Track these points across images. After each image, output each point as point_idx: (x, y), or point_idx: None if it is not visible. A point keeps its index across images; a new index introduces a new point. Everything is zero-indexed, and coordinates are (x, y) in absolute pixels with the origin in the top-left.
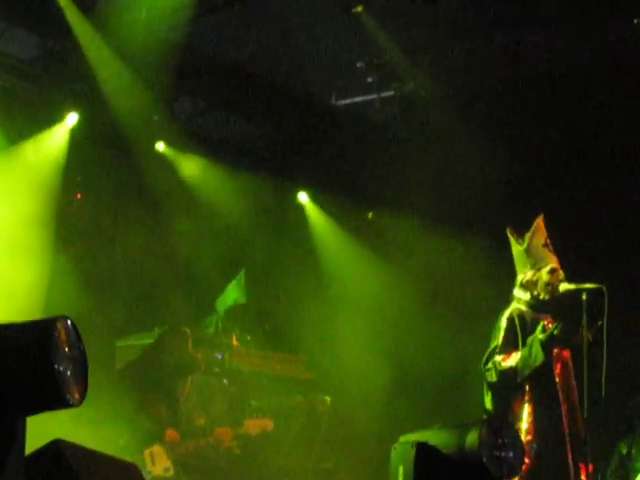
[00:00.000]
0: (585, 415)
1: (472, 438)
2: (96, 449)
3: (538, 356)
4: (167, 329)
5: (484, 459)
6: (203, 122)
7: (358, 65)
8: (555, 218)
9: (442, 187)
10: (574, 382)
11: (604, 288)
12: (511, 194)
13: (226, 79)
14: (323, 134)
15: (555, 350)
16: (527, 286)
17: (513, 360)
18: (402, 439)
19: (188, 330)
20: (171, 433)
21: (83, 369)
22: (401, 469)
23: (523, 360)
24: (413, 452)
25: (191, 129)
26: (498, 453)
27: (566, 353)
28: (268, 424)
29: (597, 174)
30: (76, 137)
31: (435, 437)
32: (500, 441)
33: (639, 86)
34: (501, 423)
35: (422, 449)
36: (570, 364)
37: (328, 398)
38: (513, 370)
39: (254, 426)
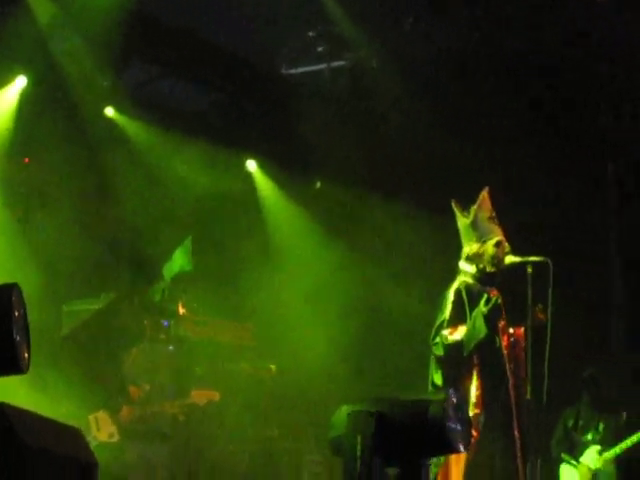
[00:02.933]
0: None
1: (436, 409)
2: (40, 414)
3: (482, 329)
4: (114, 296)
5: (447, 431)
6: (153, 89)
7: (309, 34)
8: (501, 191)
9: (389, 158)
10: (524, 357)
11: (549, 261)
12: (457, 166)
13: (177, 46)
14: (273, 103)
15: (502, 323)
16: (473, 259)
17: (459, 334)
18: (356, 407)
19: (134, 297)
20: (117, 400)
21: (28, 335)
22: (359, 438)
23: (468, 334)
24: (373, 422)
25: (141, 95)
26: (455, 426)
27: (519, 331)
28: (214, 395)
29: (543, 147)
30: (25, 101)
31: (393, 407)
32: (459, 414)
33: (585, 60)
34: (461, 397)
35: (381, 419)
36: (522, 341)
37: (273, 366)
38: (459, 344)
39: (201, 396)
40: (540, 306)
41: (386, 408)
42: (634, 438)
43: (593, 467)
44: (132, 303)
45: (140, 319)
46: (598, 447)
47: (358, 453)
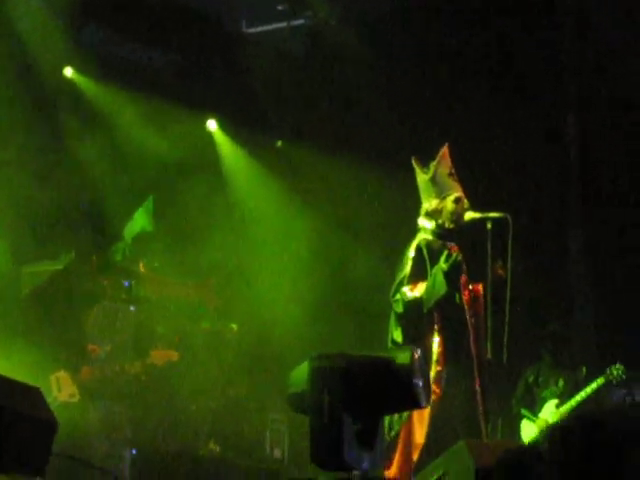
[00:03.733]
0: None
1: (402, 365)
2: (1, 374)
3: (442, 286)
4: (74, 256)
5: (415, 385)
6: (112, 49)
7: None
8: (461, 147)
9: (349, 117)
10: (484, 313)
11: (508, 217)
12: (417, 124)
13: (134, 5)
14: (233, 62)
15: (463, 278)
16: (432, 215)
17: (419, 291)
18: (321, 363)
19: (94, 257)
20: (77, 359)
21: None
22: (326, 395)
23: (428, 290)
24: (340, 378)
25: (100, 55)
26: (418, 381)
27: (477, 286)
28: (173, 355)
29: (502, 101)
30: None
31: (357, 363)
32: (422, 370)
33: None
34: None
35: (348, 375)
36: (481, 297)
37: (235, 326)
38: (419, 301)
39: (160, 357)
40: (500, 262)
41: (351, 364)
42: (588, 390)
43: (550, 421)
44: (91, 263)
45: (100, 279)
46: (556, 401)
47: (326, 410)
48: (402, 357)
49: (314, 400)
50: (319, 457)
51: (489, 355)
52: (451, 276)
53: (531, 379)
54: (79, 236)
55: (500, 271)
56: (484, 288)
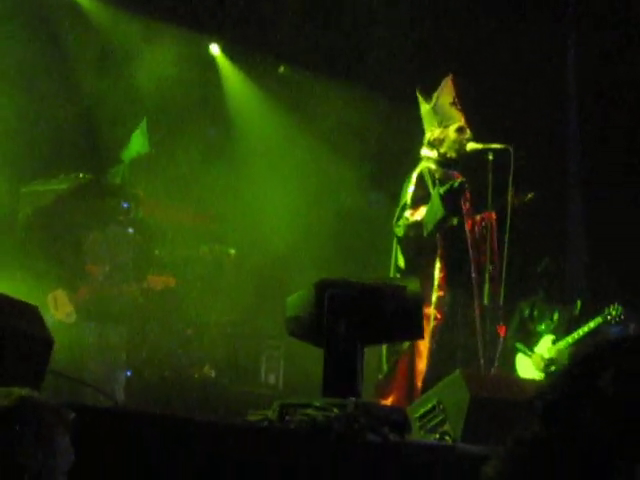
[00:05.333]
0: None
1: (414, 294)
2: None
3: (439, 209)
4: (73, 177)
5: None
6: None
7: None
8: (464, 79)
9: (354, 44)
10: (492, 244)
11: (511, 148)
12: (422, 54)
13: None
14: None
15: (466, 206)
16: (434, 144)
17: (419, 214)
18: (334, 290)
19: (94, 178)
20: (75, 279)
21: None
22: (342, 327)
23: (427, 214)
24: (354, 306)
25: None
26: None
27: (488, 215)
28: (171, 280)
29: (508, 36)
30: None
31: (372, 291)
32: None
33: None
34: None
35: (364, 302)
36: (493, 225)
37: (233, 250)
38: (419, 224)
39: (157, 282)
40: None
41: (364, 291)
42: (585, 328)
43: (547, 356)
44: (91, 185)
45: (100, 201)
46: (552, 336)
47: (341, 339)
48: (413, 286)
49: (329, 328)
50: (334, 385)
51: (485, 300)
52: (448, 200)
53: (526, 313)
54: (78, 158)
55: (516, 199)
56: (498, 216)
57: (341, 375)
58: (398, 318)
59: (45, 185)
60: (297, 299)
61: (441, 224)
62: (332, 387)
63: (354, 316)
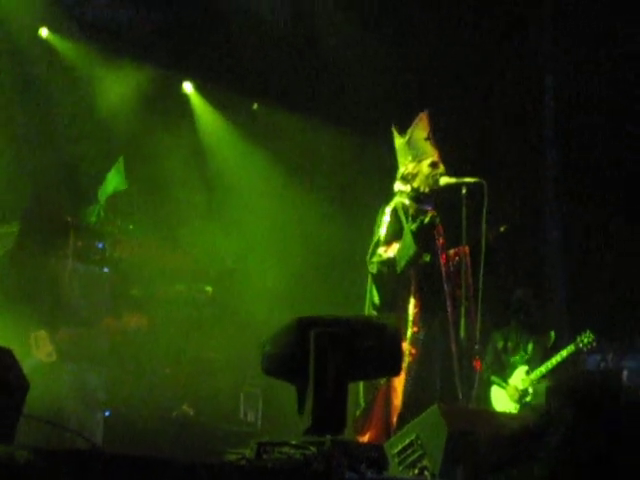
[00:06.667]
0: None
1: (393, 330)
2: None
3: (411, 246)
4: (49, 218)
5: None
6: (88, 8)
7: None
8: (439, 114)
9: (326, 82)
10: (466, 278)
11: (484, 182)
12: (394, 91)
13: None
14: (209, 23)
15: (440, 241)
16: (408, 178)
17: (392, 251)
18: (320, 328)
19: (69, 219)
20: (55, 319)
21: None
22: (332, 366)
23: (399, 250)
24: (342, 344)
25: (75, 15)
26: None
27: (462, 249)
28: (143, 321)
29: (480, 65)
30: None
31: (349, 327)
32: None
33: None
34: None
35: (351, 340)
36: (467, 259)
37: (210, 288)
38: (392, 261)
39: (130, 321)
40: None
41: (349, 328)
42: (558, 357)
43: (521, 387)
44: (66, 226)
45: (73, 241)
46: (526, 367)
47: (331, 378)
48: (391, 322)
49: (316, 367)
50: (322, 425)
51: (462, 333)
52: (419, 236)
53: (500, 345)
54: (53, 199)
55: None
56: (472, 250)
57: (332, 413)
58: (380, 354)
59: (16, 227)
60: (276, 337)
61: (413, 260)
62: (322, 425)
63: (341, 353)
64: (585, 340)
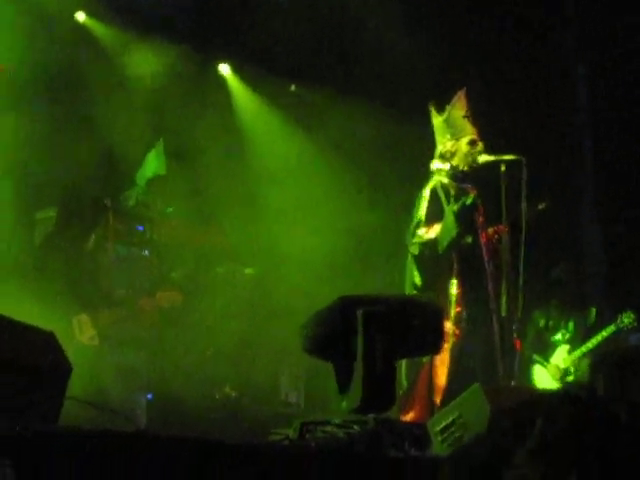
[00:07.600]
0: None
1: (435, 308)
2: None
3: (453, 227)
4: (88, 201)
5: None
6: None
7: None
8: (476, 93)
9: (364, 59)
10: (506, 256)
11: (523, 159)
12: (433, 69)
13: None
14: (244, 4)
15: (480, 220)
16: (446, 157)
17: (434, 232)
18: (368, 307)
19: (109, 202)
20: (96, 302)
21: None
22: (379, 344)
23: (441, 232)
24: (389, 323)
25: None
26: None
27: (501, 227)
28: (177, 297)
29: (520, 49)
30: None
31: (402, 306)
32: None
33: None
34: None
35: (396, 318)
36: (505, 237)
37: (250, 270)
38: (434, 242)
39: (163, 298)
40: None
41: (395, 307)
42: (599, 337)
43: (562, 366)
44: (106, 208)
45: (114, 224)
46: (567, 346)
47: (379, 356)
48: (434, 300)
49: (365, 346)
50: (372, 404)
51: (503, 312)
52: (461, 217)
53: (541, 323)
54: (92, 182)
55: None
56: (513, 228)
57: (382, 391)
58: (424, 332)
59: (52, 212)
60: (318, 316)
61: (456, 242)
62: (372, 404)
63: (387, 332)
64: (626, 320)
